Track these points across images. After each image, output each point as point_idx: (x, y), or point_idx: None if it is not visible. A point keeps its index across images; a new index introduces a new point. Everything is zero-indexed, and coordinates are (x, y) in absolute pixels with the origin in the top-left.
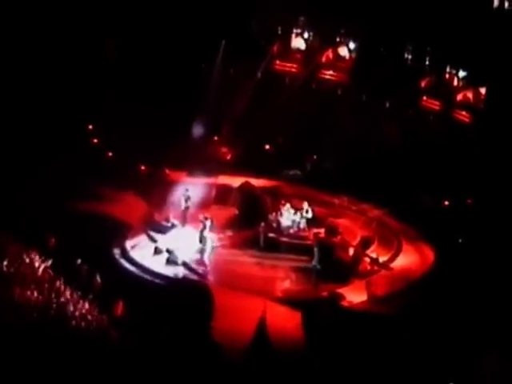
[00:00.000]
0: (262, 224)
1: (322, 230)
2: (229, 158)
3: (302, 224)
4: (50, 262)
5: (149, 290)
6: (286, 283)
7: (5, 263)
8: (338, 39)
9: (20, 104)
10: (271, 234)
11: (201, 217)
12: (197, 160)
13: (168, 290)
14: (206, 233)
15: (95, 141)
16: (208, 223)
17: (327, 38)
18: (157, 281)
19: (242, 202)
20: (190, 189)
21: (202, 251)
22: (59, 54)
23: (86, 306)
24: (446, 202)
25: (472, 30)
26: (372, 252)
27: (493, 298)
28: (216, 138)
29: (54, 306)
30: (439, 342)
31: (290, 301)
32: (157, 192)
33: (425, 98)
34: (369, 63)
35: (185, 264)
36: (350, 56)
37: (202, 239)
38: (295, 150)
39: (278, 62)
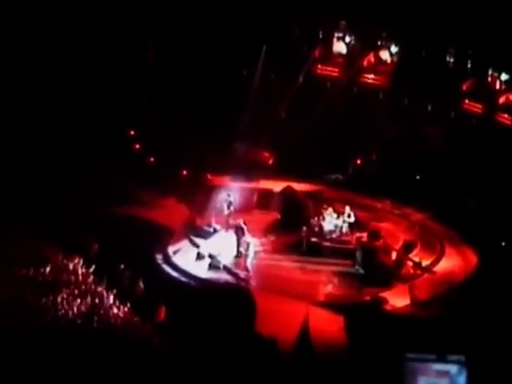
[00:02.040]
0: (305, 228)
1: (365, 234)
2: (271, 162)
3: (345, 228)
4: (92, 268)
5: (191, 296)
6: (328, 287)
7: (48, 269)
8: (379, 43)
9: (62, 108)
10: (313, 239)
11: (235, 221)
12: (239, 165)
13: (210, 295)
14: (249, 238)
15: (137, 146)
16: (243, 226)
17: (368, 42)
18: (199, 286)
19: (284, 207)
20: (232, 194)
21: (244, 256)
22: (100, 55)
23: (129, 311)
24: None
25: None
26: (415, 256)
27: None
28: (258, 142)
29: (97, 311)
30: (482, 345)
31: (332, 305)
32: (199, 197)
33: (467, 100)
34: (410, 66)
35: (227, 269)
36: (392, 59)
37: (240, 244)
38: (337, 153)
39: (319, 66)
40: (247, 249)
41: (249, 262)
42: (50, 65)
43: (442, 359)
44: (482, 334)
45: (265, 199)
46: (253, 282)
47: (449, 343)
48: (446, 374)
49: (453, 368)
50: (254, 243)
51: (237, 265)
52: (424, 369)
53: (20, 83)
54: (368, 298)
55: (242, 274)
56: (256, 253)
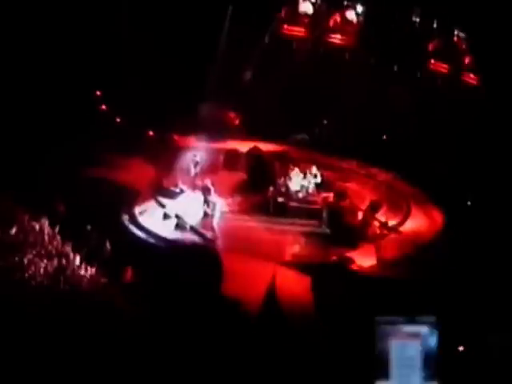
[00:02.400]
0: (271, 189)
1: (331, 195)
2: (237, 122)
3: (311, 188)
4: (59, 229)
5: (158, 256)
6: (295, 248)
7: (13, 230)
8: (345, 2)
9: (26, 66)
10: (280, 199)
11: (202, 182)
12: (205, 125)
13: (177, 256)
14: (215, 198)
15: (103, 107)
16: (210, 187)
17: (335, 2)
18: (166, 246)
19: (250, 167)
20: (199, 154)
21: (211, 217)
22: (66, 16)
23: (96, 272)
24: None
25: None
26: (381, 216)
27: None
28: (224, 103)
29: (64, 272)
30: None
31: (299, 265)
32: (165, 158)
33: (433, 60)
34: (376, 26)
35: (193, 229)
36: (358, 19)
37: (208, 204)
38: (303, 114)
39: (285, 26)
40: (213, 209)
41: (215, 223)
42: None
43: (412, 321)
44: (450, 294)
45: (231, 159)
46: (219, 243)
47: (418, 304)
48: (417, 335)
49: (423, 329)
50: (220, 203)
51: (203, 225)
52: (394, 331)
53: None
54: (335, 257)
55: (209, 235)
56: (222, 213)
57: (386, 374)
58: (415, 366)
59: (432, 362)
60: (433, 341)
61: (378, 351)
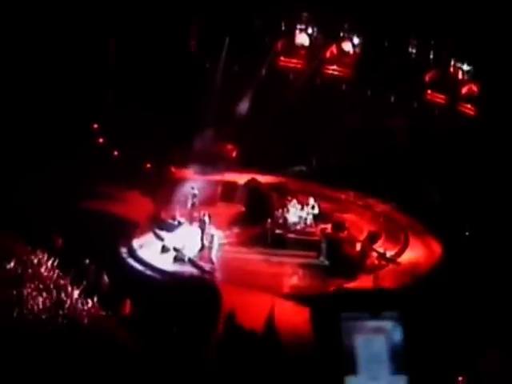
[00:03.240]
0: (269, 220)
1: (329, 226)
2: (234, 154)
3: (309, 220)
4: (57, 263)
5: (156, 289)
6: (293, 279)
7: (12, 264)
8: (341, 34)
9: (24, 103)
10: (278, 231)
11: (199, 214)
12: (202, 157)
13: (175, 288)
14: (213, 230)
15: (101, 140)
16: (206, 219)
17: (331, 33)
18: (164, 279)
19: (248, 199)
20: (196, 186)
21: (209, 249)
22: (62, 53)
23: (94, 305)
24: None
25: (476, 22)
26: (379, 247)
27: (499, 294)
28: (221, 135)
29: (62, 306)
30: (444, 336)
31: (297, 297)
32: (163, 190)
33: (429, 91)
34: (373, 57)
35: (192, 262)
36: (354, 51)
37: (204, 237)
38: (301, 145)
39: (282, 58)
40: (211, 241)
41: (213, 255)
42: (14, 61)
43: (376, 316)
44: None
45: (229, 191)
46: (218, 275)
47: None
48: (381, 330)
49: (388, 324)
50: (218, 235)
51: (202, 257)
52: (359, 327)
53: None
54: (333, 288)
55: (207, 267)
56: (221, 245)
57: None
58: (382, 360)
59: (398, 356)
60: (397, 335)
61: (345, 347)
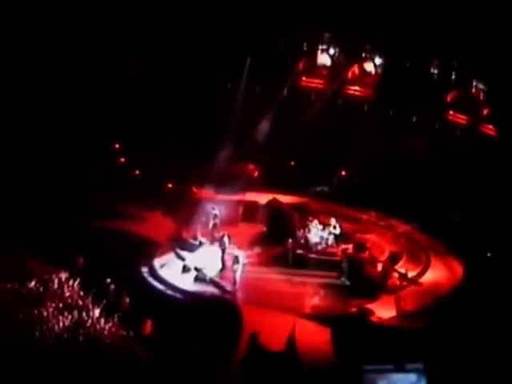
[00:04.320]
0: (290, 241)
1: (350, 246)
2: (256, 174)
3: (330, 240)
4: (78, 282)
5: (177, 308)
6: (314, 300)
7: (33, 283)
8: (363, 54)
9: (48, 122)
10: (299, 251)
11: (220, 234)
12: (224, 177)
13: (197, 308)
14: (237, 251)
15: (122, 159)
16: (226, 240)
17: (353, 54)
18: (185, 299)
19: (269, 219)
20: (218, 206)
21: (234, 270)
22: (85, 71)
23: (115, 325)
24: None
25: (499, 43)
26: (401, 267)
27: None
28: (242, 155)
29: (83, 325)
30: (468, 356)
31: (319, 317)
32: (184, 210)
33: (451, 112)
34: (395, 78)
35: (213, 282)
36: (376, 71)
37: (225, 257)
38: (322, 165)
39: (304, 78)
40: (236, 262)
41: (238, 275)
42: (36, 77)
43: (401, 369)
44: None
45: (250, 211)
46: (239, 295)
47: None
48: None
49: (412, 377)
50: (242, 256)
51: (223, 278)
52: (383, 380)
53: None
54: (354, 309)
55: (229, 287)
56: (244, 265)
57: None
58: None
59: None
60: None
61: None
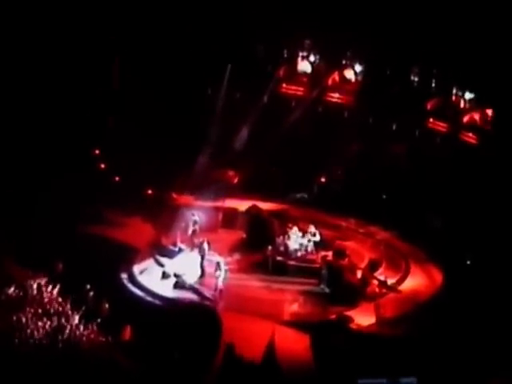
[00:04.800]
0: (270, 247)
1: (330, 253)
2: (236, 181)
3: (310, 247)
4: (57, 288)
5: (157, 315)
6: (294, 306)
7: (12, 289)
8: (343, 62)
9: (27, 128)
10: (279, 258)
11: (199, 240)
12: (204, 184)
13: (176, 315)
14: (218, 257)
15: (102, 165)
16: (205, 246)
17: (333, 61)
18: (165, 305)
19: (249, 226)
20: (197, 213)
21: (216, 276)
22: (65, 77)
23: (95, 331)
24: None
25: (478, 50)
26: (380, 274)
27: (503, 320)
28: (222, 161)
29: (63, 331)
30: (449, 364)
31: (298, 324)
32: (164, 216)
33: (431, 119)
34: (375, 85)
35: (192, 288)
36: (356, 78)
37: (204, 263)
38: (302, 172)
39: (284, 85)
40: (218, 268)
41: (220, 282)
42: (16, 81)
43: (394, 383)
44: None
45: (230, 218)
46: (218, 301)
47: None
48: None
49: None
50: (223, 262)
51: (205, 284)
52: None
53: None
54: (334, 316)
55: (210, 294)
56: (226, 272)
57: None
58: None
59: None
60: None
61: None
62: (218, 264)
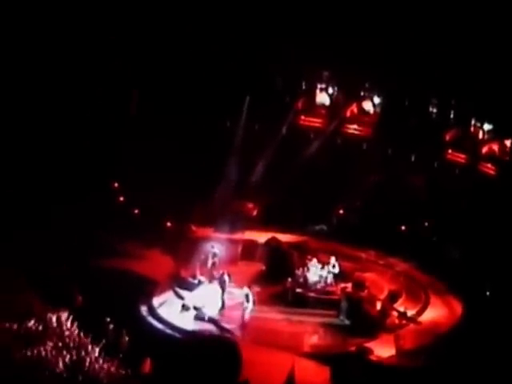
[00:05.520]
0: (289, 279)
1: (350, 285)
2: (255, 213)
3: (329, 279)
4: (77, 321)
5: (176, 347)
6: (313, 338)
7: (32, 322)
8: (362, 93)
9: (47, 161)
10: (298, 290)
11: (219, 273)
12: (223, 216)
13: (196, 348)
14: (246, 289)
15: (121, 198)
16: (226, 278)
17: (351, 93)
18: (184, 338)
19: (268, 258)
20: (217, 245)
21: (244, 309)
22: (85, 107)
23: (115, 364)
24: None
25: (497, 82)
26: (400, 306)
27: None
28: (242, 193)
29: (83, 364)
30: None
31: (318, 356)
32: (183, 248)
33: (450, 150)
34: (393, 117)
35: (212, 320)
36: (375, 110)
37: (225, 296)
38: (321, 204)
39: (302, 117)
40: (247, 300)
41: (247, 314)
42: (37, 114)
43: None
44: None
45: (249, 250)
46: (238, 334)
47: None
48: None
49: None
50: (251, 294)
51: (227, 317)
52: None
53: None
54: (353, 348)
55: (231, 326)
56: (254, 304)
57: None
58: None
59: None
60: None
61: None
62: (246, 296)
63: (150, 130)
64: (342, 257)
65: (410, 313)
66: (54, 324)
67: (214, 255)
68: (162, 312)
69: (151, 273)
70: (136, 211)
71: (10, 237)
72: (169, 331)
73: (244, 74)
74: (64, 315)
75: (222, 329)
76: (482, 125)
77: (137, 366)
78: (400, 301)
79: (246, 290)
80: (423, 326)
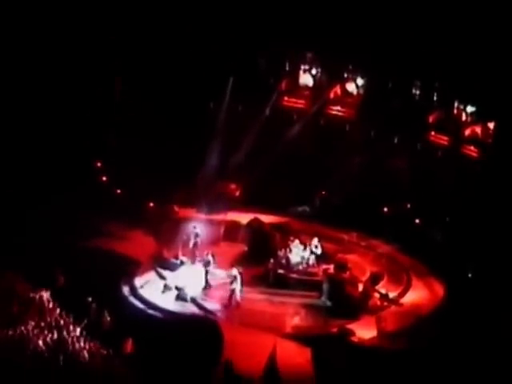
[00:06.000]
0: (271, 260)
1: (332, 266)
2: (237, 194)
3: (312, 260)
4: (59, 300)
5: (158, 327)
6: (295, 319)
7: (14, 302)
8: (345, 75)
9: (28, 141)
10: (280, 271)
11: (202, 253)
12: (205, 197)
13: (177, 327)
14: (234, 271)
15: (104, 178)
16: (210, 259)
17: (335, 74)
18: (166, 318)
19: (251, 239)
20: (199, 226)
21: (231, 290)
22: (68, 89)
23: (96, 344)
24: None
25: (480, 64)
26: (382, 288)
27: (505, 333)
28: (224, 174)
29: (64, 344)
30: (450, 378)
31: (299, 337)
32: (165, 229)
33: (433, 133)
34: (376, 99)
35: (194, 301)
36: (358, 92)
37: (209, 276)
38: (304, 185)
39: (286, 98)
40: (234, 281)
41: (238, 295)
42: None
43: None
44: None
45: (232, 231)
46: (220, 314)
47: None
48: None
49: None
50: (239, 276)
51: (210, 296)
52: None
53: None
54: (335, 329)
55: (213, 306)
56: (242, 284)
57: None
58: None
59: None
60: None
61: None
62: (234, 277)
63: (134, 111)
64: (324, 238)
65: (391, 295)
66: (36, 304)
67: (197, 236)
68: (144, 292)
69: (133, 253)
70: (118, 191)
71: None
72: (151, 311)
73: (227, 55)
74: (46, 295)
75: (203, 309)
76: (465, 107)
77: (118, 345)
78: (382, 283)
79: (234, 271)
80: (405, 308)
